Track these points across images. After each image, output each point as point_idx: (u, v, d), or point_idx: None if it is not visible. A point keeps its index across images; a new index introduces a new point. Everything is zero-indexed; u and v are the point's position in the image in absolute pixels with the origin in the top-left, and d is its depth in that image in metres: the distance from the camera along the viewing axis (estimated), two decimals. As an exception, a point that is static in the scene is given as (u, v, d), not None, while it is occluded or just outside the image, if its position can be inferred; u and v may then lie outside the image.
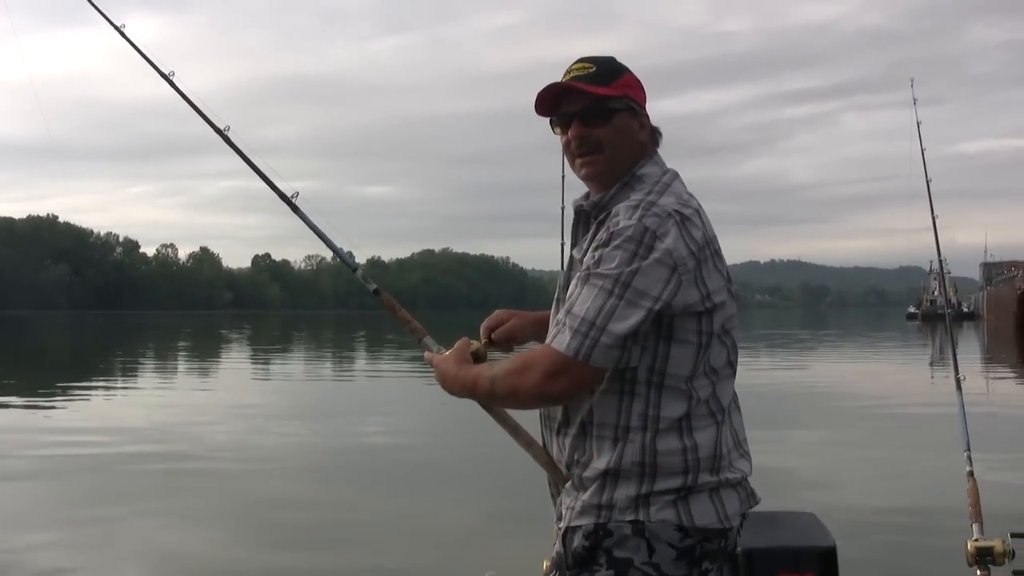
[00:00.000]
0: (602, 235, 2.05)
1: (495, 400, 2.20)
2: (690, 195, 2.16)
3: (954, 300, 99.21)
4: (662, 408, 2.05)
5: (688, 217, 2.05)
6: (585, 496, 2.08)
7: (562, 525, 2.14)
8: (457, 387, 2.24)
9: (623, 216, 2.04)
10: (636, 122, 2.21)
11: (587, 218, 2.20)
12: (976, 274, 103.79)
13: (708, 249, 2.07)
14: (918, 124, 4.76)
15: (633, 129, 2.20)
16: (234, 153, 2.89)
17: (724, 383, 2.13)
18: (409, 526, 7.48)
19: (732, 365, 2.16)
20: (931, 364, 27.98)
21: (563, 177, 2.43)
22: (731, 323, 2.15)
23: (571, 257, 2.21)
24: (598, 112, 2.18)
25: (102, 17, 3.12)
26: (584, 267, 2.06)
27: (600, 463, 2.06)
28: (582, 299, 2.02)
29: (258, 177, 2.89)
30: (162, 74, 3.00)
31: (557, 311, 2.12)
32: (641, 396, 2.05)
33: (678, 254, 2.00)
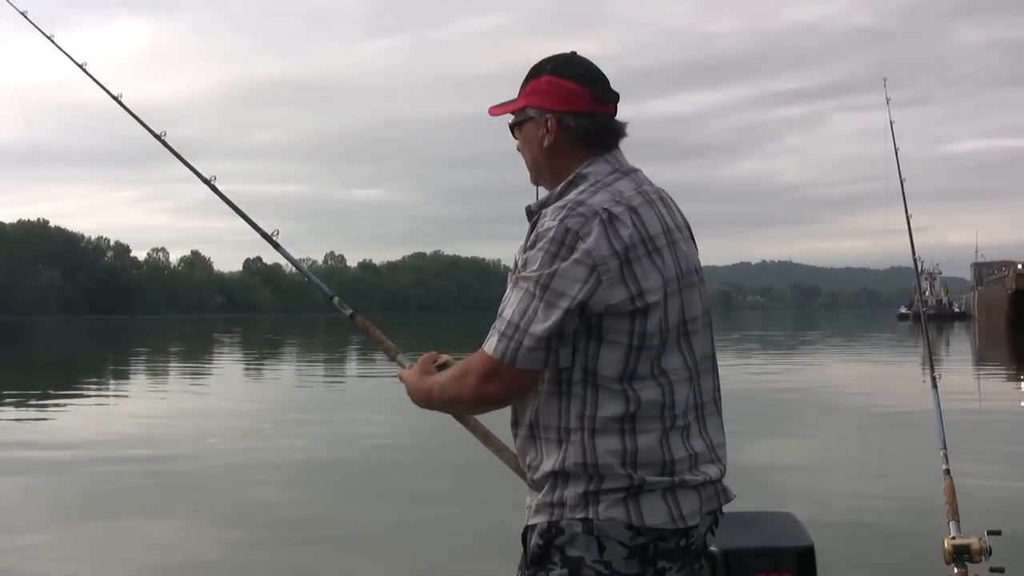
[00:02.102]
0: (532, 237, 2.09)
1: (446, 407, 2.25)
2: (639, 192, 2.14)
3: (945, 300, 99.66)
4: (599, 408, 2.04)
5: (617, 216, 2.05)
6: (539, 495, 2.10)
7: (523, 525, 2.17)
8: (419, 398, 2.30)
9: (549, 217, 2.07)
10: (538, 128, 2.22)
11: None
12: (967, 274, 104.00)
13: (644, 247, 2.06)
14: (891, 124, 4.85)
15: (537, 136, 2.23)
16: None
17: (680, 386, 2.10)
18: (391, 530, 7.51)
19: (689, 368, 2.13)
20: (923, 365, 28.01)
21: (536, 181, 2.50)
22: (694, 325, 2.14)
23: (515, 260, 2.24)
24: (514, 126, 2.29)
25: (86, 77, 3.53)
26: (516, 269, 2.10)
27: (547, 465, 2.08)
28: (510, 303, 2.07)
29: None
30: (155, 135, 3.31)
31: None
32: (578, 397, 2.06)
33: (598, 253, 2.00)
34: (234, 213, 3.18)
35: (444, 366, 2.33)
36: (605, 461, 2.03)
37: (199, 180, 3.30)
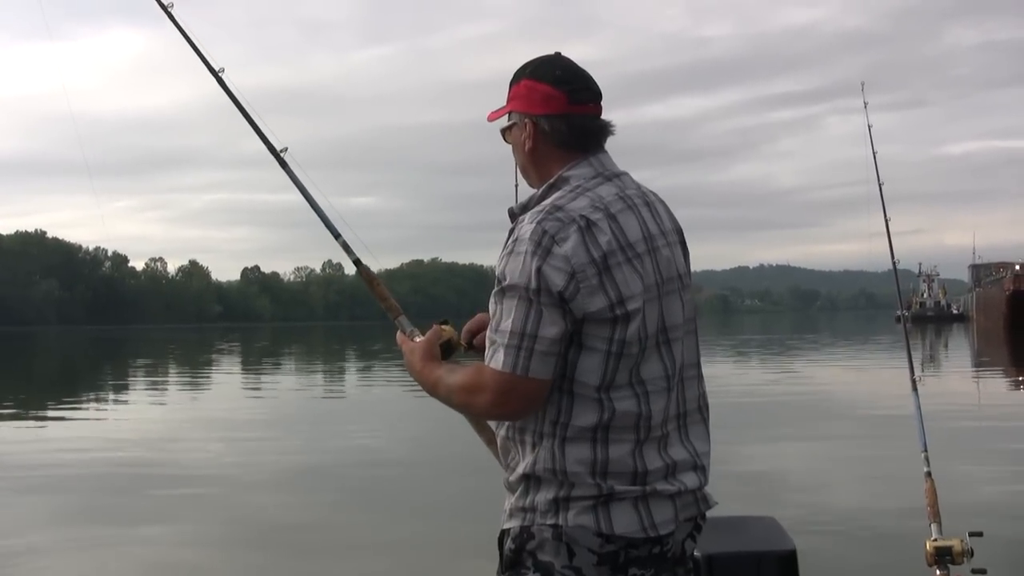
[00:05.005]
0: (511, 242, 2.07)
1: (453, 408, 2.21)
2: (620, 197, 2.12)
3: (943, 302, 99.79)
4: (573, 416, 2.03)
5: (595, 222, 2.04)
6: (512, 499, 2.12)
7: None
8: (420, 383, 2.28)
9: (527, 221, 2.06)
10: (521, 132, 2.22)
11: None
12: (965, 276, 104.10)
13: (623, 254, 2.05)
14: (869, 128, 4.91)
15: (520, 140, 2.23)
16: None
17: (658, 396, 2.08)
18: (374, 537, 7.56)
19: (669, 377, 2.11)
20: (921, 366, 27.95)
21: (516, 186, 2.52)
22: (675, 332, 2.12)
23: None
24: (504, 130, 2.29)
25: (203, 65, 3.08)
26: (497, 278, 2.07)
27: (520, 468, 2.09)
28: (505, 315, 2.03)
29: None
30: (212, 70, 3.04)
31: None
32: (554, 403, 2.05)
33: (576, 261, 2.00)
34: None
35: (448, 344, 2.33)
36: (574, 469, 2.03)
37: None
